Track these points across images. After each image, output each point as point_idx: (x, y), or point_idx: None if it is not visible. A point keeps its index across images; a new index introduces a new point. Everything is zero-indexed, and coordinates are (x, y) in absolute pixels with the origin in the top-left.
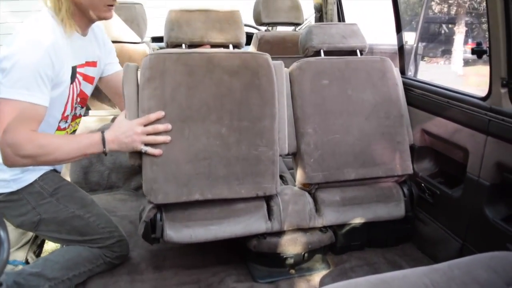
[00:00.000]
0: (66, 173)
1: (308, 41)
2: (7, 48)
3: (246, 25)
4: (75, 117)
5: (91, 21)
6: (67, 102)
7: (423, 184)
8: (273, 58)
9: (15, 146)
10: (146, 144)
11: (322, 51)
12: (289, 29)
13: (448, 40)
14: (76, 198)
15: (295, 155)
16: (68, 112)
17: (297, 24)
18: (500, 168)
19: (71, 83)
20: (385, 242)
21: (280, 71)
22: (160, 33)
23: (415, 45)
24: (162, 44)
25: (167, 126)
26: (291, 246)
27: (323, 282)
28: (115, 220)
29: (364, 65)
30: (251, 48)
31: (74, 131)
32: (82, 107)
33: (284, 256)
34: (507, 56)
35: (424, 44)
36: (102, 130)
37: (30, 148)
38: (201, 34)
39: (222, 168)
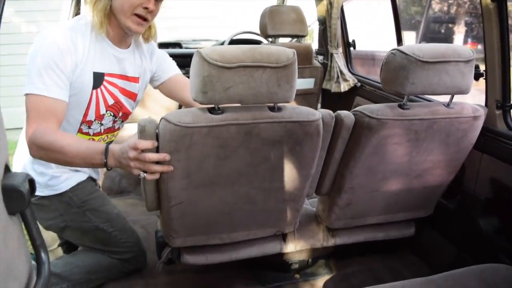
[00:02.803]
0: None
1: (404, 83)
2: (33, 43)
3: (252, 33)
4: (112, 130)
5: (125, 32)
6: (88, 107)
7: None
8: None
9: (32, 137)
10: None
11: (406, 97)
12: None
13: (448, 40)
14: (101, 212)
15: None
16: (91, 117)
17: (301, 36)
18: (493, 183)
19: (94, 88)
20: (385, 248)
21: (341, 125)
22: (167, 38)
23: None
24: (169, 51)
25: (165, 156)
26: (297, 253)
27: (326, 286)
28: None
29: (449, 125)
30: None
31: (110, 142)
32: (122, 121)
33: (290, 262)
34: (502, 80)
35: (424, 43)
36: (108, 143)
37: (43, 141)
38: (242, 98)
39: (245, 219)
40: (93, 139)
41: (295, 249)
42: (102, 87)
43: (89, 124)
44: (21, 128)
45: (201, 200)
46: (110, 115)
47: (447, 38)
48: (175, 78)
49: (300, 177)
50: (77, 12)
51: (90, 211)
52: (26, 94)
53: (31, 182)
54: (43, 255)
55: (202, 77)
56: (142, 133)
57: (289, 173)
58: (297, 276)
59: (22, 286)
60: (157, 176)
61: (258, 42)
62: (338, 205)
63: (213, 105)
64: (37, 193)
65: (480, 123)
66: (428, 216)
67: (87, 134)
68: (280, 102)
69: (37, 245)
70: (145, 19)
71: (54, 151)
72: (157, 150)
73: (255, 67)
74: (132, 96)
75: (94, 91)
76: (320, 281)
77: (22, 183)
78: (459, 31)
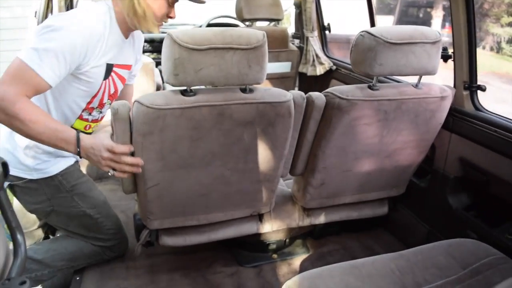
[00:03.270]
0: None
1: (372, 64)
2: (52, 18)
3: (229, 17)
4: (103, 117)
5: (133, 28)
6: (95, 95)
7: None
8: None
9: (0, 98)
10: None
11: (375, 78)
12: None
13: (426, 24)
14: (89, 198)
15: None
16: (94, 105)
17: (277, 20)
18: (462, 162)
19: (104, 79)
20: (360, 227)
21: (312, 106)
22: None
23: None
24: (146, 35)
25: (138, 160)
26: (274, 233)
27: (303, 265)
28: None
29: (417, 106)
30: None
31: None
32: None
33: (267, 242)
34: (469, 62)
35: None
36: (79, 131)
37: (10, 107)
38: (213, 80)
39: (221, 199)
40: (90, 126)
41: (271, 229)
42: (110, 77)
43: (91, 111)
44: None
45: (177, 181)
46: (109, 103)
47: (425, 22)
48: (131, 86)
49: (274, 157)
50: None
51: (78, 195)
52: (19, 58)
53: (4, 166)
54: (19, 237)
55: (173, 59)
56: (115, 116)
57: (263, 154)
58: (275, 256)
59: None
60: (125, 175)
61: (235, 26)
62: (312, 185)
63: (185, 87)
64: (26, 176)
65: (447, 104)
66: (401, 195)
67: (86, 120)
68: (251, 84)
69: (13, 227)
70: None
71: (19, 120)
72: (131, 132)
73: (225, 49)
74: (124, 82)
75: (104, 81)
76: (297, 260)
77: None
78: (437, 15)
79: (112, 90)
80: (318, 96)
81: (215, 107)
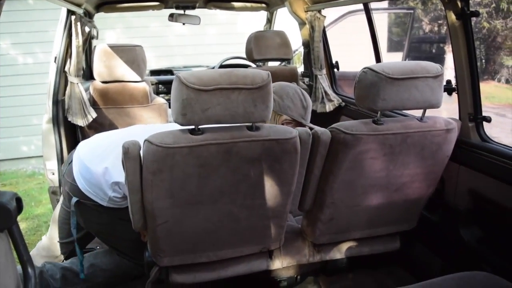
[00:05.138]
0: None
1: (375, 99)
2: None
3: (240, 58)
4: None
5: None
6: None
7: None
8: None
9: None
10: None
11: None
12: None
13: (438, 59)
14: None
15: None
16: None
17: (287, 60)
18: (472, 194)
19: None
20: (373, 263)
21: (318, 142)
22: (158, 66)
23: None
24: (161, 78)
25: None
26: (284, 270)
27: None
28: None
29: (423, 139)
30: None
31: None
32: None
33: (278, 279)
34: (472, 94)
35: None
36: None
37: None
38: (220, 118)
39: (230, 236)
40: None
41: (281, 265)
42: None
43: None
44: (19, 159)
45: (186, 218)
46: None
47: (436, 57)
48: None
49: (282, 193)
50: (68, 43)
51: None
52: None
53: (18, 201)
54: (29, 270)
55: (181, 100)
56: (126, 154)
57: (270, 190)
58: None
59: None
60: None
61: (247, 67)
62: (321, 220)
63: (193, 126)
64: (100, 201)
65: (453, 136)
66: (413, 229)
67: None
68: (257, 122)
69: (24, 261)
70: None
71: None
72: (141, 170)
73: (231, 89)
74: None
75: None
76: None
77: (9, 201)
78: (450, 50)
79: None
80: (323, 132)
81: (222, 145)
